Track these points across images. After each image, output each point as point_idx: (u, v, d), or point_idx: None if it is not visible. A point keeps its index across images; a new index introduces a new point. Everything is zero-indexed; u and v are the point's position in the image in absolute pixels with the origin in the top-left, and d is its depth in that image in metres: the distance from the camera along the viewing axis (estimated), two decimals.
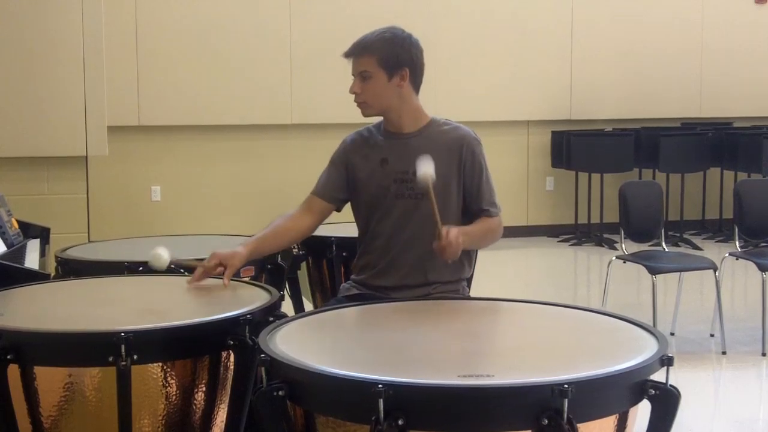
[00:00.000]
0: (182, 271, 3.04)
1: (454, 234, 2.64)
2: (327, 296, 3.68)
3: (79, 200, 6.08)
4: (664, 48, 9.28)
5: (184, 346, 2.31)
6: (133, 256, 3.24)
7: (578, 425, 1.83)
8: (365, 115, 2.94)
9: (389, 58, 2.86)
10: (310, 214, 3.02)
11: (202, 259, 2.86)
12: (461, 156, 2.89)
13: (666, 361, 2.01)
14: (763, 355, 5.14)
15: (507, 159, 9.05)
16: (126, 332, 2.18)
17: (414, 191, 2.86)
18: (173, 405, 2.30)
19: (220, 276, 2.79)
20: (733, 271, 6.98)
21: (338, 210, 3.07)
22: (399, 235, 2.90)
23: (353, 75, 2.91)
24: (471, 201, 2.92)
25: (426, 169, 2.65)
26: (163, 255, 2.86)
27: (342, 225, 3.66)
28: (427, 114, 2.98)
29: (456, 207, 2.91)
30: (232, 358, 2.39)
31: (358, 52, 2.89)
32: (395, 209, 2.91)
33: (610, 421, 1.98)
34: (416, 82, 2.94)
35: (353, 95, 2.91)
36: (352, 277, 3.06)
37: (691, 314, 5.88)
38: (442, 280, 2.90)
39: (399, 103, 2.91)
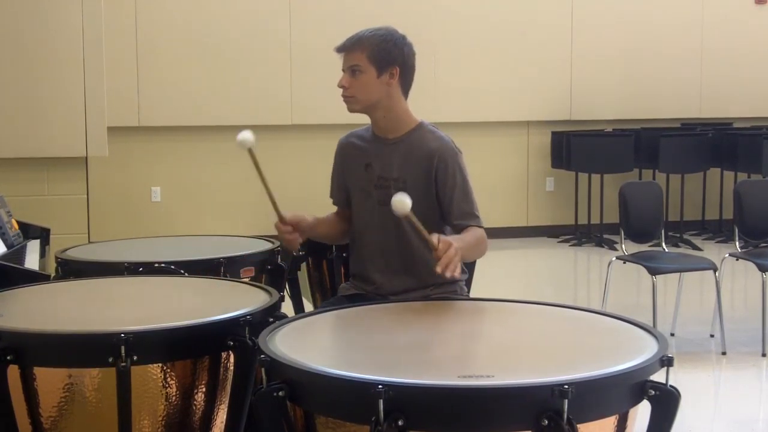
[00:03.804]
0: (182, 271, 3.04)
1: (446, 244, 2.48)
2: (327, 297, 3.68)
3: (79, 201, 6.09)
4: (664, 48, 9.28)
5: (184, 346, 2.31)
6: (133, 257, 3.23)
7: (578, 426, 1.83)
8: (351, 110, 2.91)
9: (380, 54, 2.84)
10: (341, 219, 3.08)
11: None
12: (433, 166, 2.85)
13: (666, 362, 2.01)
14: (763, 355, 5.14)
15: (507, 159, 9.06)
16: (126, 333, 2.18)
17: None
18: (173, 406, 2.30)
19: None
20: (733, 272, 6.97)
21: None
22: (387, 241, 2.89)
23: (343, 70, 2.89)
24: (444, 212, 2.87)
25: (400, 198, 2.43)
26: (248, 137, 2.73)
27: None
28: (415, 118, 2.95)
29: (435, 216, 2.86)
30: (231, 359, 2.38)
31: (350, 46, 2.87)
32: (378, 215, 2.89)
33: (610, 422, 1.97)
34: (405, 84, 2.91)
35: (341, 90, 2.88)
36: (351, 279, 3.06)
37: (691, 315, 5.88)
38: (438, 282, 2.86)
39: (386, 102, 2.88)
